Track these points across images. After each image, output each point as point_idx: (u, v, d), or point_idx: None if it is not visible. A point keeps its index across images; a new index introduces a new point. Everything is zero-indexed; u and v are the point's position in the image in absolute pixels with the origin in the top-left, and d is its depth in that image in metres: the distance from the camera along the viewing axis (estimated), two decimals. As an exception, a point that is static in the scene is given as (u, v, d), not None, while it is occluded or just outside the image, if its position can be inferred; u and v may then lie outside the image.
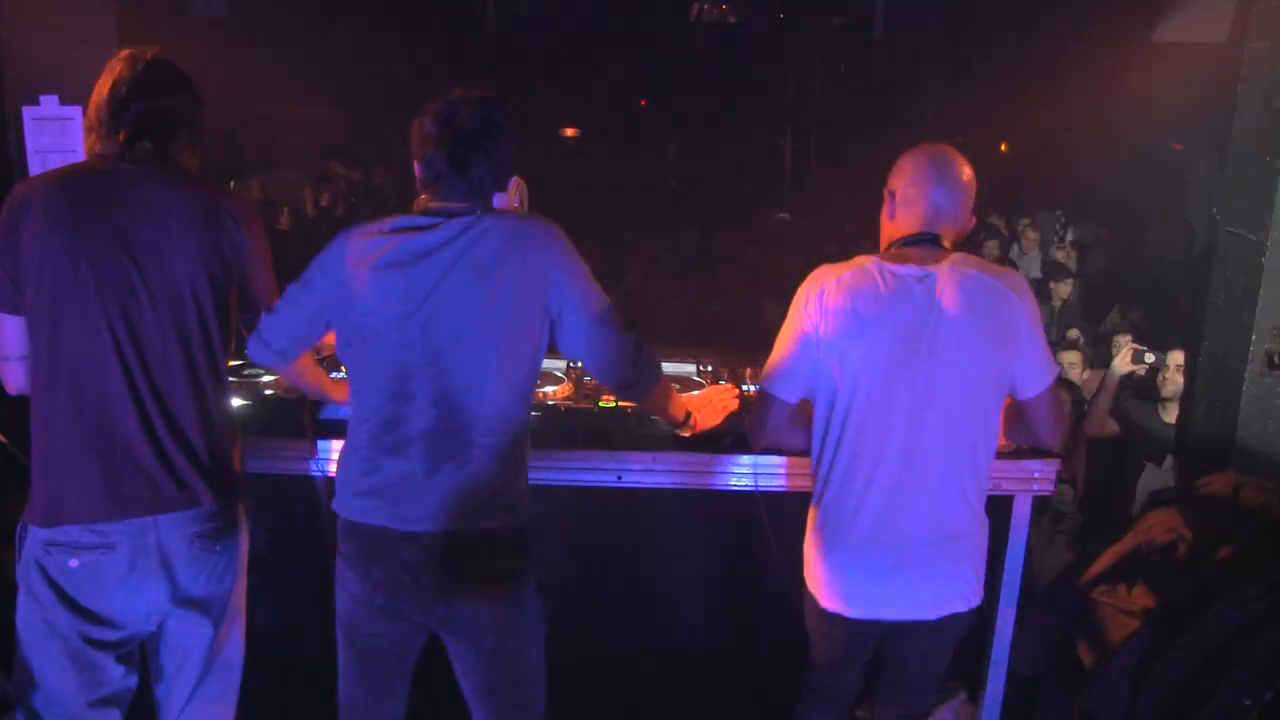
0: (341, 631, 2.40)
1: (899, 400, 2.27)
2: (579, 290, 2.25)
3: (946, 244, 2.33)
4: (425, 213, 2.25)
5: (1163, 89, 7.64)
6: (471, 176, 2.25)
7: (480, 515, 2.26)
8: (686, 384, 3.22)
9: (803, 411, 2.43)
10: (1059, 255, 7.80)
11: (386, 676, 2.42)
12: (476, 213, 2.23)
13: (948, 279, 2.26)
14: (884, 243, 2.43)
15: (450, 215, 2.22)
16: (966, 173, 2.35)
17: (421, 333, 2.19)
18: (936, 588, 2.40)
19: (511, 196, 2.32)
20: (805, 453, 2.50)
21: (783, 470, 2.90)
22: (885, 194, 2.41)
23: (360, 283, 2.21)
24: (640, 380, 2.37)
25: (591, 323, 2.27)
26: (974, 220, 2.42)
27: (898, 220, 2.37)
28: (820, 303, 2.29)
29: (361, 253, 2.21)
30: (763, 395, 2.42)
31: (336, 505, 2.33)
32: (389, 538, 2.25)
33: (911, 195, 2.35)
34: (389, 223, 2.24)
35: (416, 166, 2.29)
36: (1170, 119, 8.52)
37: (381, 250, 2.20)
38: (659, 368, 2.45)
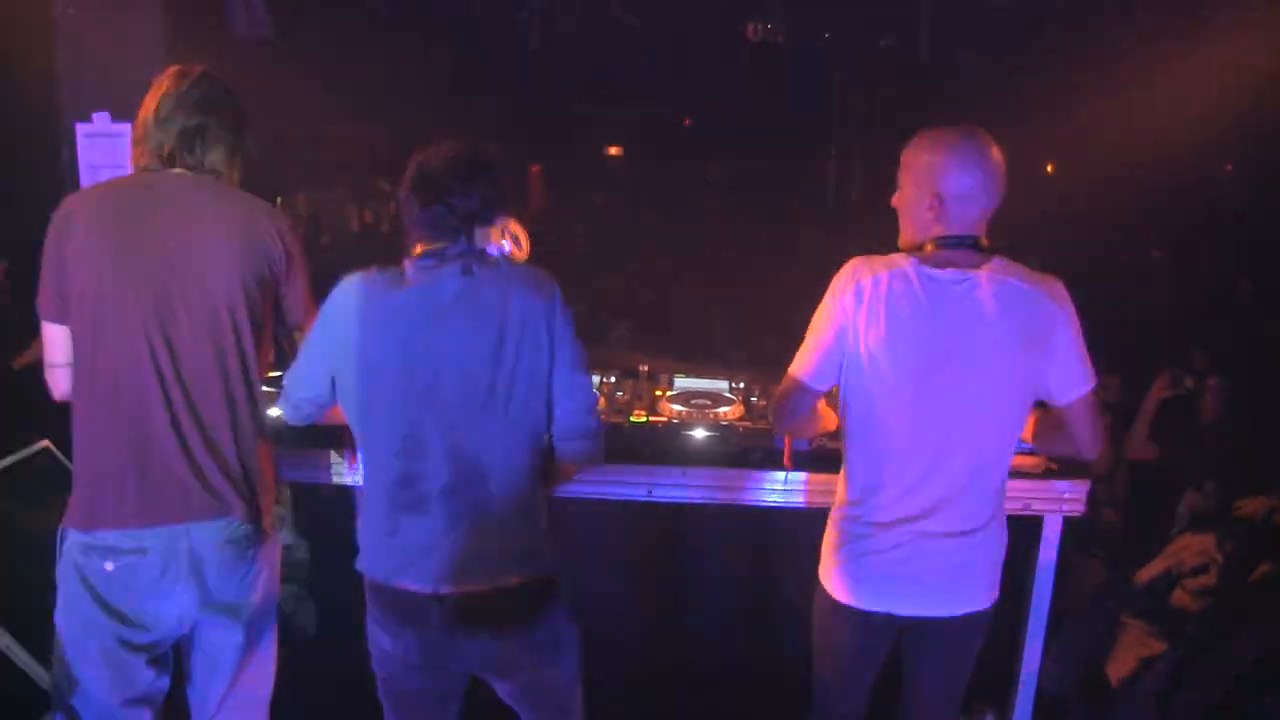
0: (379, 682, 2.42)
1: (929, 402, 2.28)
2: (570, 340, 2.24)
3: (985, 240, 2.31)
4: (420, 257, 2.21)
5: (1211, 109, 7.57)
6: (452, 207, 2.19)
7: (507, 570, 2.25)
8: (718, 400, 3.25)
9: (827, 400, 2.45)
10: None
11: None
12: (470, 256, 2.19)
13: (986, 285, 2.25)
14: (912, 236, 2.37)
15: (443, 259, 2.19)
16: (1000, 160, 2.30)
17: (427, 389, 2.16)
18: (956, 584, 2.39)
19: (499, 236, 2.25)
20: (823, 439, 2.51)
21: (812, 488, 2.92)
22: (930, 194, 2.30)
23: (358, 337, 2.19)
24: (599, 431, 2.36)
25: (573, 372, 2.26)
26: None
27: (943, 223, 2.30)
28: (857, 300, 2.28)
29: (358, 305, 2.19)
30: (792, 382, 2.41)
31: (361, 565, 2.31)
32: (416, 600, 2.23)
33: (966, 199, 2.28)
34: (382, 271, 2.22)
35: (405, 218, 2.27)
36: (1220, 141, 8.44)
37: (377, 301, 2.18)
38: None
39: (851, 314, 2.29)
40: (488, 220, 2.22)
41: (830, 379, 2.38)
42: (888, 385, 2.29)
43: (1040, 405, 2.39)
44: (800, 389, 2.40)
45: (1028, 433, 2.49)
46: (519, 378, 2.18)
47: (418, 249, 2.23)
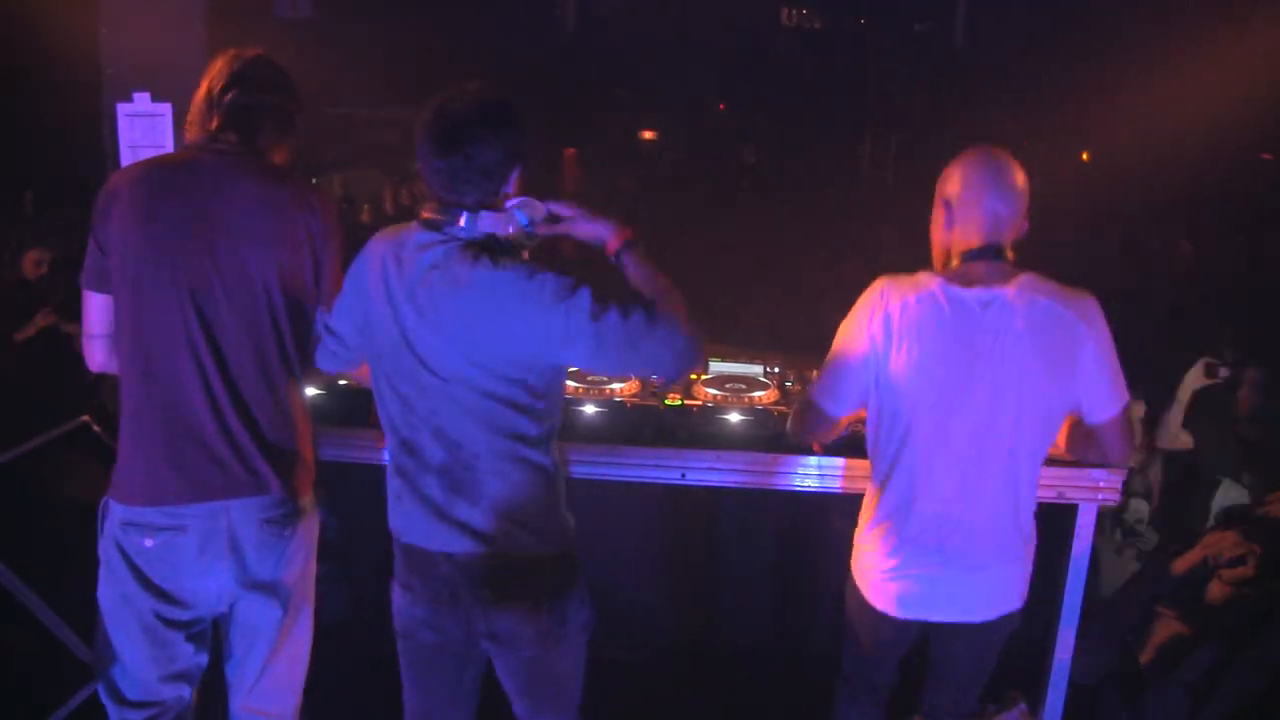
0: (398, 640, 2.42)
1: (956, 422, 2.28)
2: (583, 338, 2.03)
3: (1010, 254, 2.31)
4: (425, 225, 2.11)
5: (1251, 96, 7.49)
6: (453, 163, 2.05)
7: (508, 542, 2.20)
8: (753, 384, 3.25)
9: (846, 421, 2.46)
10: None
11: (443, 687, 2.42)
12: (469, 234, 2.08)
13: (1014, 304, 2.24)
14: (940, 253, 2.39)
15: (446, 235, 2.08)
16: (1021, 177, 2.30)
17: (412, 369, 2.13)
18: (985, 593, 2.40)
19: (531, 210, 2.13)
20: (856, 424, 2.53)
21: (846, 473, 2.92)
22: (939, 203, 2.35)
23: (369, 300, 2.18)
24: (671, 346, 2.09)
25: (603, 353, 2.06)
26: (1028, 225, 2.35)
27: (955, 232, 2.33)
28: (885, 325, 2.27)
29: (372, 267, 2.17)
30: (811, 406, 2.42)
31: (388, 516, 2.33)
32: (426, 553, 2.24)
33: (970, 204, 2.29)
34: (396, 235, 2.16)
35: (420, 168, 2.14)
36: (1259, 127, 8.35)
37: (387, 268, 2.13)
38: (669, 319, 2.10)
39: (880, 341, 2.29)
40: (503, 176, 2.11)
41: (852, 404, 2.39)
42: (917, 408, 2.30)
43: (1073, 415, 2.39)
44: (819, 414, 2.41)
45: (1061, 440, 2.49)
46: (505, 376, 2.09)
47: (426, 211, 2.13)
